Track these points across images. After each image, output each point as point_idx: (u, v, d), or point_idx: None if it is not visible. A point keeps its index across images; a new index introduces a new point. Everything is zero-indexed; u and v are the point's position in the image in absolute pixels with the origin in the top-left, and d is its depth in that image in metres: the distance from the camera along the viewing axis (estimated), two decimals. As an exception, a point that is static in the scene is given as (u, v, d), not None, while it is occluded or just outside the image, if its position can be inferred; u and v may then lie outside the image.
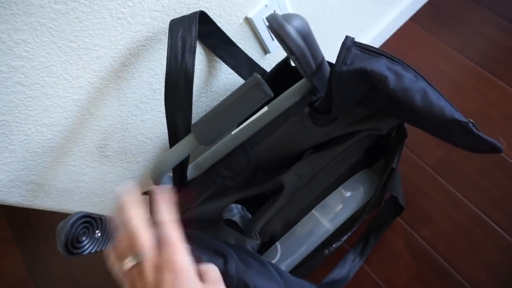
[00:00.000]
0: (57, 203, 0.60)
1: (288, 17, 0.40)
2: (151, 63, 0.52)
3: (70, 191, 0.59)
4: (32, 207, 0.57)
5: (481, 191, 0.79)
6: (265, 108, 0.51)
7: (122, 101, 0.53)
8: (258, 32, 0.61)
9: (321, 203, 0.51)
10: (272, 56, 0.69)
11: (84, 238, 0.40)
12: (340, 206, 0.51)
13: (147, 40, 0.49)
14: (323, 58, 0.45)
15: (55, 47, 0.41)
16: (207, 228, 0.54)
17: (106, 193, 0.65)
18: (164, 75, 0.46)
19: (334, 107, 0.45)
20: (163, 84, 0.55)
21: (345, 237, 0.66)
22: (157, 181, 0.49)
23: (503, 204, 0.77)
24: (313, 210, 0.50)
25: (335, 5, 0.73)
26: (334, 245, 0.64)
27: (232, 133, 0.52)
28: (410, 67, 0.42)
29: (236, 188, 0.54)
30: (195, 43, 0.45)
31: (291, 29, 0.38)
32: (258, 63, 0.68)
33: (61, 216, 0.43)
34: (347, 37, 0.42)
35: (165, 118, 0.60)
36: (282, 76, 0.59)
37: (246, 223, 0.59)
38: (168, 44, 0.45)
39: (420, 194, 0.82)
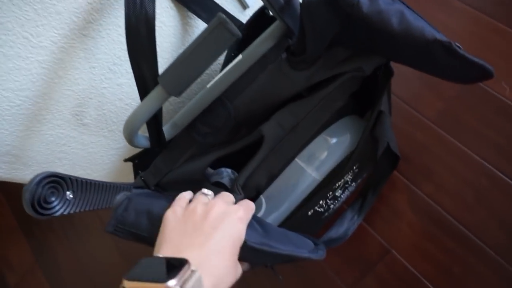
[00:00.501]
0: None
1: None
2: (118, 20, 0.50)
3: (51, 162, 0.57)
4: (14, 180, 0.55)
5: (484, 140, 0.75)
6: (240, 57, 0.48)
7: (92, 63, 0.51)
8: (233, -16, 0.58)
9: (304, 151, 0.48)
10: (251, 11, 0.66)
11: (53, 199, 0.38)
12: (325, 154, 0.48)
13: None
14: None
15: (6, 1, 0.39)
16: (192, 189, 0.52)
17: (91, 165, 0.64)
18: None
19: (307, 45, 0.42)
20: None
21: (343, 197, 0.63)
22: (131, 140, 0.47)
23: (509, 151, 0.73)
24: (296, 159, 0.48)
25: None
26: (331, 205, 0.62)
27: (207, 86, 0.49)
28: None
29: (219, 146, 0.52)
30: None
31: None
32: (238, 18, 0.65)
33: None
34: None
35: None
36: (260, 28, 0.56)
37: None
38: None
39: (422, 149, 0.79)
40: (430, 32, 0.36)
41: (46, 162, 0.57)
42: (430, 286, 0.74)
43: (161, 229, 0.37)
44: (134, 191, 0.43)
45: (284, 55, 0.49)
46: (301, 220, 0.58)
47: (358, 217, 0.65)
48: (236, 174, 0.58)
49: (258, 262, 0.45)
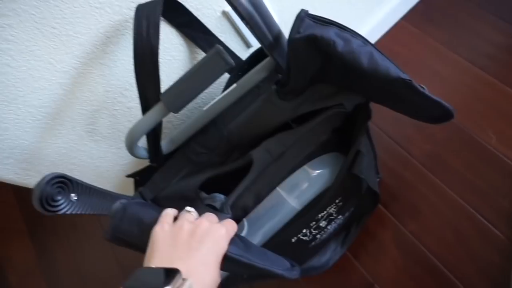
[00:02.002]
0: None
1: None
2: (131, 52, 0.56)
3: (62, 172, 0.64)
4: (27, 185, 0.62)
5: (468, 184, 0.78)
6: (234, 85, 0.54)
7: (106, 87, 0.58)
8: (238, 26, 0.65)
9: (286, 181, 0.53)
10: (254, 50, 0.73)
11: (59, 198, 0.42)
12: (305, 185, 0.53)
13: (126, 29, 0.54)
14: (279, 31, 0.48)
15: (38, 33, 0.46)
16: (183, 206, 0.57)
17: (97, 178, 0.70)
18: None
19: (291, 77, 0.48)
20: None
21: (331, 228, 0.67)
22: (131, 149, 0.53)
23: (490, 197, 0.76)
24: (277, 188, 0.53)
25: (318, 4, 0.77)
26: (318, 235, 0.66)
27: (204, 108, 0.55)
28: (359, 35, 0.44)
29: (211, 166, 0.57)
30: (158, 19, 0.48)
31: None
32: (241, 56, 0.72)
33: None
34: (302, 10, 0.45)
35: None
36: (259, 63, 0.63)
37: None
38: (134, 23, 0.48)
39: (409, 188, 0.82)
40: (395, 70, 0.42)
41: (57, 171, 0.63)
42: (409, 322, 0.76)
43: (150, 243, 0.41)
44: (129, 201, 0.48)
45: (274, 87, 0.55)
46: (285, 245, 0.61)
47: (341, 248, 0.69)
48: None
49: (236, 271, 0.48)
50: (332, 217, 0.64)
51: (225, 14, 0.63)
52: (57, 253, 1.19)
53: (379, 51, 0.44)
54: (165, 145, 0.57)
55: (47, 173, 0.43)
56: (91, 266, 1.14)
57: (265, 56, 0.63)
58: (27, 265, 1.20)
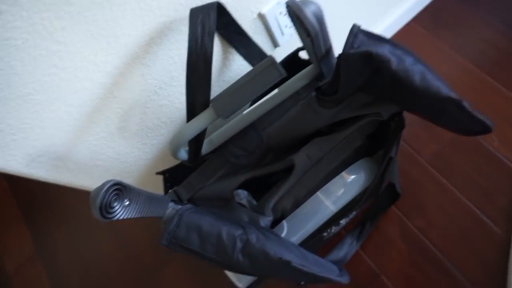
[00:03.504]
0: (76, 179, 0.64)
1: (305, 2, 0.44)
2: (171, 52, 0.56)
3: (89, 168, 0.63)
4: (54, 182, 0.61)
5: (473, 184, 0.83)
6: (276, 90, 0.55)
7: (143, 86, 0.57)
8: (270, 27, 0.65)
9: (325, 186, 0.55)
10: (281, 50, 0.73)
11: (116, 204, 0.43)
12: (342, 190, 0.56)
13: (170, 30, 0.53)
14: (331, 44, 0.50)
15: (89, 35, 0.45)
16: (221, 206, 0.58)
17: (121, 173, 0.69)
18: (184, 63, 0.50)
19: (340, 89, 0.49)
20: (180, 72, 0.60)
21: (343, 222, 0.71)
22: (174, 152, 0.53)
23: (494, 198, 0.81)
24: (318, 192, 0.55)
25: (342, 3, 0.77)
26: (333, 229, 0.69)
27: (244, 112, 0.56)
28: (410, 52, 0.46)
29: (248, 168, 0.59)
30: (213, 28, 0.49)
31: (308, 11, 0.43)
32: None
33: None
34: (354, 24, 0.47)
35: (180, 104, 0.65)
36: (290, 67, 0.64)
37: (254, 208, 0.64)
38: (189, 28, 0.48)
39: (416, 185, 0.87)
40: (445, 90, 0.44)
41: (86, 167, 0.62)
42: (412, 311, 0.82)
43: None
44: (183, 207, 0.49)
45: (313, 94, 0.56)
46: (308, 239, 0.64)
47: (357, 243, 0.73)
48: (250, 196, 0.65)
49: (295, 279, 0.51)
50: (349, 214, 0.68)
51: (260, 16, 0.63)
52: (56, 239, 1.18)
53: (430, 69, 0.46)
54: (204, 145, 0.58)
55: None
56: (93, 252, 1.13)
57: (297, 62, 0.65)
58: (25, 252, 1.18)
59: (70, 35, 0.44)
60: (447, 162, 0.87)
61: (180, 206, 0.49)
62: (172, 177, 0.63)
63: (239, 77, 0.69)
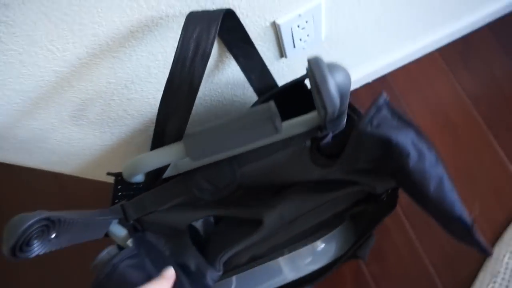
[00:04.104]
0: (14, 157, 0.54)
1: (333, 67, 0.34)
2: (155, 49, 0.45)
3: (29, 150, 0.53)
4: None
5: (439, 248, 0.80)
6: None
7: (110, 79, 0.46)
8: (282, 38, 0.54)
9: (291, 254, 0.49)
10: (287, 61, 0.63)
11: (35, 242, 0.35)
12: (308, 259, 0.50)
13: (156, 26, 0.42)
14: (346, 108, 0.41)
15: (44, 18, 0.34)
16: (170, 236, 0.51)
17: (70, 155, 0.60)
18: (168, 62, 0.42)
19: (342, 158, 0.42)
20: (161, 69, 0.49)
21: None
22: (129, 177, 0.45)
23: (455, 266, 0.79)
24: (280, 258, 0.49)
25: (370, 26, 0.66)
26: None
27: None
28: (433, 147, 0.39)
29: (210, 204, 0.51)
30: (209, 50, 0.39)
31: (332, 85, 0.33)
32: (272, 64, 0.62)
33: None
34: (382, 95, 0.38)
35: (154, 100, 0.55)
36: (292, 93, 0.54)
37: (209, 229, 0.57)
38: (179, 42, 0.38)
39: (383, 230, 0.83)
40: (459, 209, 0.38)
41: (25, 148, 0.52)
42: None
43: None
44: (120, 256, 0.41)
45: (308, 143, 0.48)
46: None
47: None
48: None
49: None
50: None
51: (274, 25, 0.52)
52: None
53: (448, 175, 0.39)
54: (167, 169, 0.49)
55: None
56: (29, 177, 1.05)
57: (300, 89, 0.55)
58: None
59: (16, 15, 0.33)
60: (421, 216, 0.82)
61: (116, 254, 0.41)
62: (125, 182, 0.55)
63: (229, 81, 0.59)
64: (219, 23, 0.39)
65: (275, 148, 0.48)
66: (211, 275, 0.45)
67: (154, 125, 0.61)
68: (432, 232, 0.81)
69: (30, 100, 0.43)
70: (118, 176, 0.55)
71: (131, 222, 0.50)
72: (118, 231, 0.47)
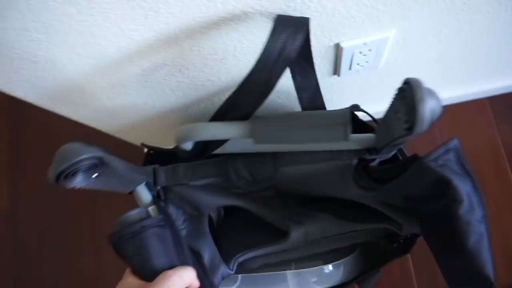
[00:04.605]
0: (64, 109, 0.56)
1: (430, 93, 0.33)
2: (217, 45, 0.46)
3: (77, 104, 0.55)
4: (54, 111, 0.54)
5: (435, 291, 0.81)
6: None
7: (167, 62, 0.47)
8: (340, 59, 0.54)
9: (299, 271, 0.50)
10: (338, 79, 0.62)
11: (79, 175, 0.36)
12: (313, 279, 0.51)
13: (225, 25, 0.42)
14: None
15: (124, 1, 0.35)
16: (190, 216, 0.51)
17: (110, 115, 0.62)
18: (223, 57, 0.46)
19: (392, 184, 0.42)
20: (217, 63, 0.50)
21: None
22: (180, 142, 0.45)
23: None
24: (288, 272, 0.50)
25: (430, 64, 0.65)
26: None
27: None
28: (483, 202, 0.40)
29: (242, 194, 0.51)
30: (293, 55, 0.39)
31: (428, 108, 0.32)
32: (322, 79, 0.62)
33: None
34: (454, 140, 0.39)
35: (202, 86, 0.56)
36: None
37: (219, 222, 0.58)
38: (267, 42, 0.38)
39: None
40: (489, 269, 0.38)
41: (74, 103, 0.54)
42: None
43: None
44: (150, 221, 0.41)
45: (355, 162, 0.48)
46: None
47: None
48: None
49: None
50: None
51: (337, 46, 0.51)
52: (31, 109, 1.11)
53: (488, 234, 0.39)
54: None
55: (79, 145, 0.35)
56: (59, 127, 1.08)
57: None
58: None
59: (99, -6, 0.33)
60: (425, 257, 0.82)
61: (146, 218, 0.42)
62: (156, 157, 0.56)
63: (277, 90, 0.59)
64: (305, 34, 0.39)
65: (320, 157, 0.48)
66: (223, 272, 0.46)
67: (193, 106, 0.63)
68: (432, 275, 0.81)
69: (89, 65, 0.45)
70: (150, 149, 0.57)
71: (159, 188, 0.49)
72: (145, 193, 0.47)
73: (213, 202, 0.50)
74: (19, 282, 1.01)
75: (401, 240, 0.52)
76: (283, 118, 0.40)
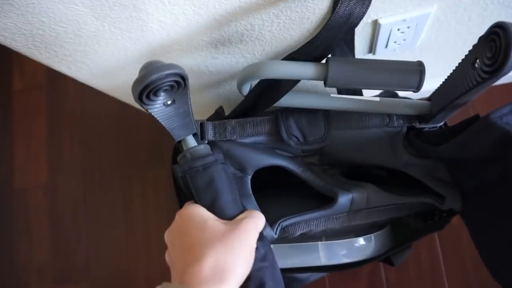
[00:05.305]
0: (96, 82, 0.58)
1: None
2: (254, 21, 0.46)
3: (106, 76, 0.57)
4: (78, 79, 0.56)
5: (462, 272, 0.80)
6: (377, 98, 0.47)
7: (204, 37, 0.48)
8: (377, 37, 0.53)
9: (331, 241, 0.51)
10: (373, 57, 0.61)
11: (161, 95, 0.36)
12: (343, 252, 0.51)
13: (264, 2, 0.42)
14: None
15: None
16: (235, 176, 0.49)
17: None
18: (259, 33, 0.47)
19: (451, 143, 0.41)
20: (253, 39, 0.51)
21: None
22: (242, 82, 0.46)
23: None
24: (319, 242, 0.50)
25: (470, 42, 0.62)
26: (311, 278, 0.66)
27: (331, 94, 0.48)
28: None
29: (288, 154, 0.51)
30: (358, 21, 0.41)
31: None
32: (357, 56, 0.60)
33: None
34: None
35: (235, 63, 0.56)
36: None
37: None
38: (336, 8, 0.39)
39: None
40: None
41: (103, 77, 0.56)
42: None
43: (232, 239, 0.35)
44: (220, 155, 0.42)
45: (405, 129, 0.48)
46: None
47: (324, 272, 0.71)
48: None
49: None
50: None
51: (374, 23, 0.50)
52: (67, 86, 1.15)
53: None
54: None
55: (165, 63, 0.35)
56: (94, 104, 1.13)
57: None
58: (36, 78, 1.17)
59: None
60: (454, 237, 0.81)
61: (215, 154, 0.42)
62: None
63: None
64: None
65: (371, 123, 0.48)
66: (267, 235, 0.44)
67: (226, 84, 0.64)
68: (459, 256, 0.80)
69: (128, 39, 0.46)
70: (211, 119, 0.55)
71: (206, 142, 0.47)
72: (193, 144, 0.44)
73: (259, 161, 0.49)
74: (57, 251, 1.07)
75: (436, 218, 0.51)
76: (357, 62, 0.40)
